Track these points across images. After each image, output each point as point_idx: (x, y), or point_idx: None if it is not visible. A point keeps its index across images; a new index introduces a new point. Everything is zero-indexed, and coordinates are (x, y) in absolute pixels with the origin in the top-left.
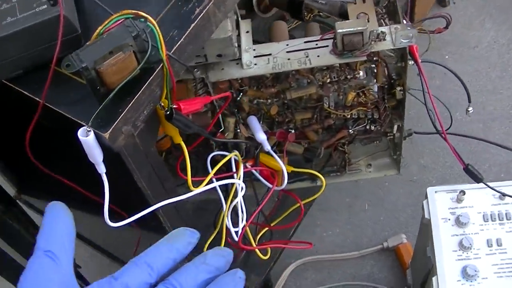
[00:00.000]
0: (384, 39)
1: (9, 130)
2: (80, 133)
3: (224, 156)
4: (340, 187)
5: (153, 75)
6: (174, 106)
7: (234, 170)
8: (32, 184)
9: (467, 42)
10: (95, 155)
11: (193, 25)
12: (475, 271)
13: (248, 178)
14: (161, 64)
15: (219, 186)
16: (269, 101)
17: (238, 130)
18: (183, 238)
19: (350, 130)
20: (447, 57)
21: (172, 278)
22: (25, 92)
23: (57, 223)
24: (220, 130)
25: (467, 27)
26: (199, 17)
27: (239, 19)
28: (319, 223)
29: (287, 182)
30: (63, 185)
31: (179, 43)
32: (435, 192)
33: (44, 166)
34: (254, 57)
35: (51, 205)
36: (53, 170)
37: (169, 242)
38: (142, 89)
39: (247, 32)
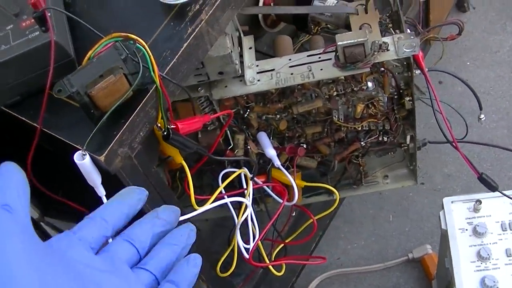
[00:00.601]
0: (387, 49)
1: (20, 155)
2: (76, 157)
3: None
4: (364, 198)
5: (146, 97)
6: (172, 127)
7: (244, 186)
8: (55, 206)
9: (489, 47)
10: (93, 178)
11: (185, 44)
12: (494, 281)
13: (261, 194)
14: (155, 86)
15: (232, 203)
16: (278, 116)
17: (248, 147)
18: (133, 195)
19: (363, 143)
20: (468, 63)
21: (128, 231)
22: (23, 118)
23: (11, 179)
24: (229, 147)
25: (488, 32)
26: (192, 36)
27: (241, 35)
28: (343, 235)
29: (305, 197)
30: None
31: (172, 63)
32: (452, 202)
33: (54, 188)
34: (257, 73)
35: (3, 164)
36: (62, 192)
37: (121, 199)
38: (136, 111)
39: (250, 48)
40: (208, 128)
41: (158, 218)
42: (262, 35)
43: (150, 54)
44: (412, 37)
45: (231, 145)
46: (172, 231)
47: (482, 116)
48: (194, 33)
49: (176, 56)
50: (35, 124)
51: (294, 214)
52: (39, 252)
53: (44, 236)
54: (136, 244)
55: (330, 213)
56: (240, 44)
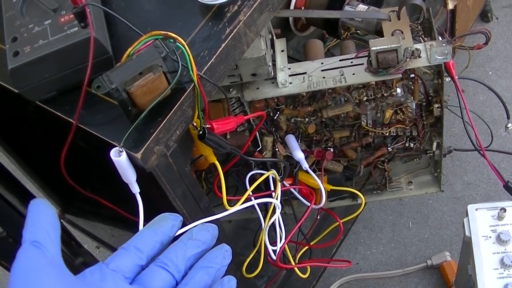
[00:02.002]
0: (419, 56)
1: (48, 151)
2: (113, 153)
3: (263, 175)
4: (384, 205)
5: (184, 96)
6: (207, 126)
7: (272, 189)
8: (75, 203)
9: (511, 58)
10: (128, 175)
11: (223, 45)
12: None
13: (287, 196)
14: (192, 84)
15: (258, 205)
16: (307, 119)
17: (276, 149)
18: (167, 222)
19: (389, 148)
20: (490, 73)
21: (162, 256)
22: (58, 114)
23: (40, 216)
24: (258, 149)
25: (511, 42)
26: (230, 37)
27: (274, 38)
28: (363, 241)
29: (328, 201)
30: (101, 204)
31: (210, 63)
32: (476, 209)
33: (81, 185)
34: (289, 76)
35: (33, 202)
36: (90, 189)
37: (153, 227)
38: (174, 109)
39: (282, 51)
40: (237, 130)
41: (193, 239)
42: (291, 39)
43: (190, 53)
44: (444, 44)
45: (259, 147)
46: (207, 254)
47: (509, 125)
48: (232, 34)
49: (214, 56)
50: (71, 120)
51: (316, 217)
52: (71, 286)
53: (65, 233)
54: (171, 270)
55: (352, 217)
56: (273, 46)
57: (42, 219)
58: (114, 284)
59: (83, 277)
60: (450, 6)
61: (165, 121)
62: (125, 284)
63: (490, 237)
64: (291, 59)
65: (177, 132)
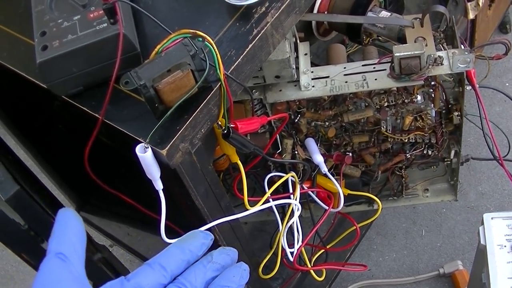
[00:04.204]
0: (442, 64)
1: (69, 147)
2: (138, 149)
3: (281, 177)
4: (397, 212)
5: (210, 94)
6: (231, 125)
7: (290, 191)
8: (91, 201)
9: None
10: (153, 171)
11: (250, 45)
12: None
13: (305, 199)
14: (219, 84)
15: (276, 206)
16: (327, 123)
17: (296, 152)
18: (196, 239)
19: (408, 155)
20: (507, 84)
21: (182, 277)
22: (84, 108)
23: (67, 227)
24: (278, 151)
25: None
26: (257, 37)
27: (298, 41)
28: (375, 247)
29: (344, 205)
30: (120, 202)
31: (236, 63)
32: (492, 218)
33: (101, 181)
34: (312, 79)
35: (61, 211)
36: (109, 186)
37: (182, 244)
38: (200, 107)
39: (305, 54)
40: (258, 131)
41: (213, 262)
42: (312, 43)
43: (218, 52)
44: (466, 53)
45: (279, 149)
46: (225, 271)
47: None
48: (259, 35)
49: (241, 56)
50: (97, 115)
51: (334, 221)
52: None
53: None
54: None
55: (368, 222)
56: (296, 49)
57: (69, 230)
58: None
59: None
60: (471, 15)
61: (191, 119)
62: None
63: (505, 246)
64: (312, 64)
65: (202, 130)
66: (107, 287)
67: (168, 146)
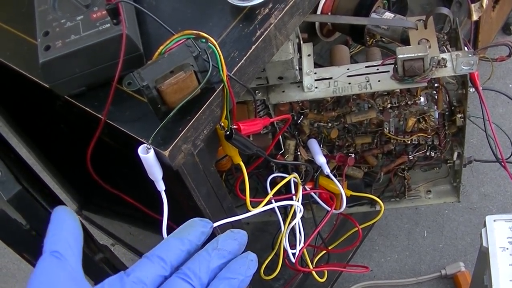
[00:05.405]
0: (445, 66)
1: (71, 147)
2: (140, 150)
3: (284, 178)
4: (400, 213)
5: (213, 95)
6: (234, 127)
7: (293, 192)
8: (93, 201)
9: None
10: (155, 172)
11: (254, 46)
12: None
13: (307, 200)
14: (222, 85)
15: (278, 207)
16: (330, 124)
17: (298, 153)
18: (196, 228)
19: (410, 156)
20: (510, 86)
21: (185, 267)
22: (87, 109)
23: (62, 226)
24: (280, 152)
25: None
26: (260, 39)
27: (301, 42)
28: (377, 248)
29: (346, 206)
30: (122, 201)
31: (239, 64)
32: (494, 220)
33: (103, 181)
34: (315, 80)
35: (56, 209)
36: (111, 186)
37: (181, 234)
38: (203, 108)
39: (309, 55)
40: (261, 132)
41: (218, 249)
42: (315, 44)
43: (221, 53)
44: (470, 55)
45: (281, 150)
46: (231, 263)
47: None
48: (262, 36)
49: (244, 58)
50: (99, 116)
51: (336, 222)
52: None
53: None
54: (194, 282)
55: (370, 224)
56: (299, 50)
57: (65, 228)
58: None
59: None
60: (475, 17)
61: (193, 120)
62: None
63: (507, 248)
64: (315, 64)
65: (205, 131)
66: (106, 284)
67: (171, 147)
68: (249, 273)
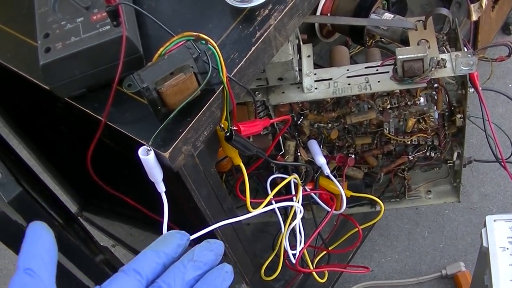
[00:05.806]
0: (445, 66)
1: (72, 148)
2: (141, 152)
3: (284, 179)
4: (400, 213)
5: (213, 97)
6: (234, 128)
7: (293, 193)
8: (93, 202)
9: None
10: (155, 174)
11: (253, 48)
12: None
13: (307, 201)
14: (222, 86)
15: (278, 208)
16: (330, 125)
17: (298, 154)
18: (172, 241)
19: (410, 156)
20: (510, 85)
21: (160, 280)
22: (87, 110)
23: (36, 242)
24: (280, 153)
25: None
26: (260, 40)
27: (301, 43)
28: (378, 248)
29: (347, 207)
30: (122, 203)
31: (239, 65)
32: (494, 220)
33: (103, 183)
34: (315, 81)
35: (31, 225)
36: (112, 187)
37: (157, 247)
38: (203, 110)
39: (309, 56)
40: (261, 133)
41: (194, 260)
42: (315, 44)
43: (220, 55)
44: (469, 55)
45: (281, 151)
46: (207, 275)
47: None
48: (262, 38)
49: (244, 59)
50: (99, 117)
51: (336, 223)
52: None
53: (83, 230)
54: None
55: (371, 224)
56: (299, 51)
57: (39, 244)
58: None
59: None
60: (474, 17)
61: (193, 121)
62: None
63: (507, 248)
64: (315, 65)
65: (205, 133)
66: None
67: (171, 148)
68: (225, 285)
